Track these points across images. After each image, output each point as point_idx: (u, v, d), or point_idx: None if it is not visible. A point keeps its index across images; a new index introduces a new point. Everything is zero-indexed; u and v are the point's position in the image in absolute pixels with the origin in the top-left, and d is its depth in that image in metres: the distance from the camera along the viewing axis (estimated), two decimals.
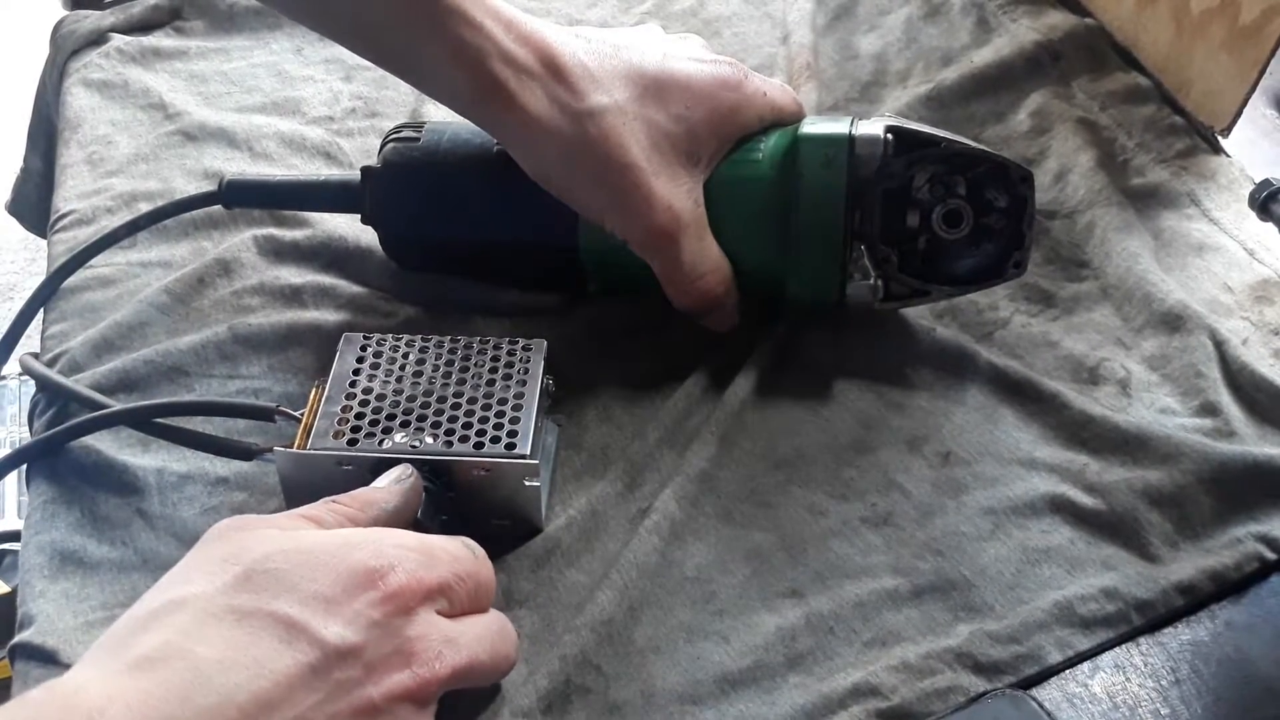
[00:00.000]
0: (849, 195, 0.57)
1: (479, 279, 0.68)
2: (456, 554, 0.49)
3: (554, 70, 0.58)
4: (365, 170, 0.65)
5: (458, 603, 0.48)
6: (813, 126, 0.59)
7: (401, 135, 0.66)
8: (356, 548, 0.45)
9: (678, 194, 0.58)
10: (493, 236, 0.64)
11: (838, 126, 0.59)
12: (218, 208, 0.75)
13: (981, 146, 0.57)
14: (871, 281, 0.58)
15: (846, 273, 0.59)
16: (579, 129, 0.58)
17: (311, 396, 0.58)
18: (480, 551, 0.51)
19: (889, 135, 0.57)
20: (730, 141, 0.61)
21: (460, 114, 0.63)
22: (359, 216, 0.67)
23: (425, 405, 0.57)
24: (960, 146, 0.57)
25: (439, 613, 0.47)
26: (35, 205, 0.90)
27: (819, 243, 0.59)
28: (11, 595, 0.60)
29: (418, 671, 0.44)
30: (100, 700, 0.39)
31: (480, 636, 0.48)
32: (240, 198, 0.70)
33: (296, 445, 0.56)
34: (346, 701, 0.42)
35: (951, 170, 0.56)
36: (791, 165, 0.59)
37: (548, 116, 0.58)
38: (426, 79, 0.62)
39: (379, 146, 0.67)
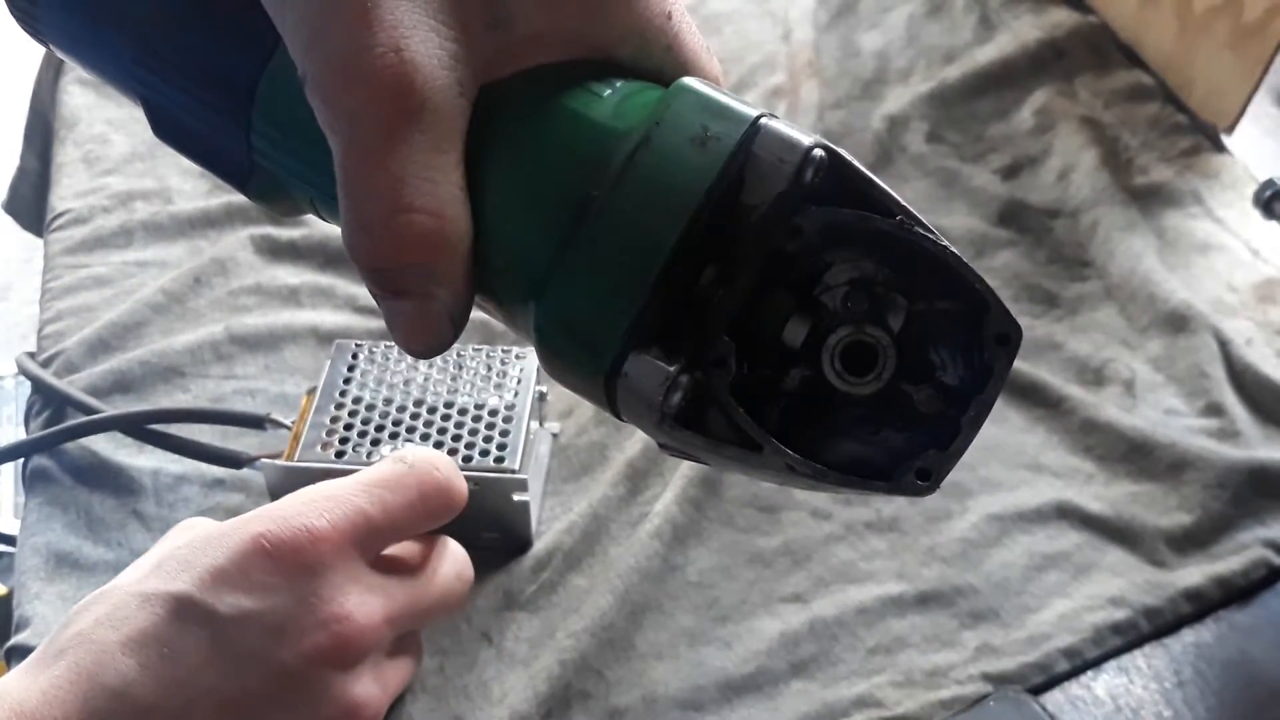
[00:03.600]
0: (708, 210, 0.30)
1: (116, 83, 0.40)
2: (374, 479, 0.45)
3: None
4: None
5: (388, 532, 0.45)
6: (706, 86, 0.32)
7: None
8: (254, 519, 0.43)
9: (428, 45, 0.30)
10: (156, 28, 0.38)
11: (743, 103, 0.32)
12: (214, 207, 0.75)
13: (956, 251, 0.30)
14: (673, 370, 0.30)
15: (641, 336, 0.31)
16: None
17: (303, 404, 0.57)
18: (418, 455, 0.46)
19: (820, 152, 0.31)
20: (570, 40, 0.33)
21: None
22: None
23: (415, 416, 0.57)
24: (928, 242, 0.31)
25: (367, 558, 0.44)
26: (31, 204, 0.89)
27: (620, 262, 0.31)
28: (8, 597, 0.60)
29: (335, 629, 0.42)
30: (19, 694, 0.39)
31: (413, 575, 0.46)
32: None
33: (286, 455, 0.55)
34: (258, 671, 0.41)
35: (895, 280, 0.32)
36: (649, 125, 0.31)
37: None
38: None
39: None
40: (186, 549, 0.43)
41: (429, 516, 0.46)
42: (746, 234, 0.31)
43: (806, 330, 0.31)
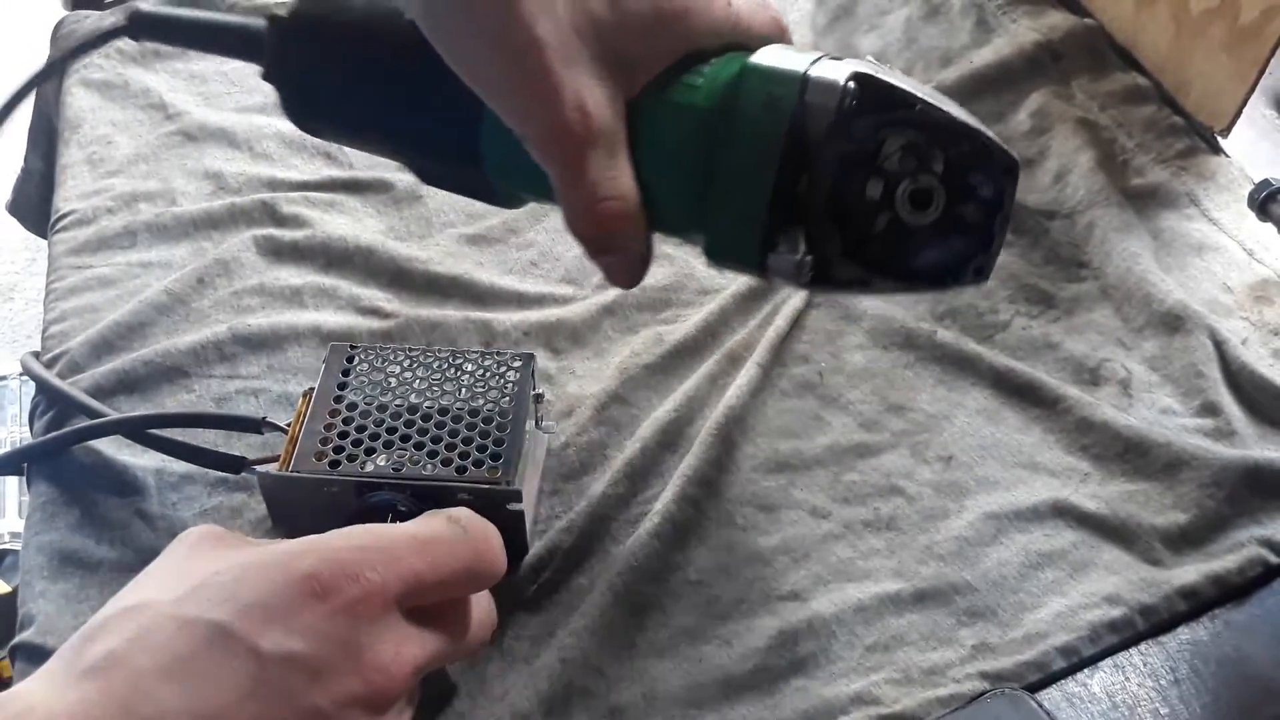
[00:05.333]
0: (788, 148, 0.45)
1: (384, 156, 0.60)
2: (429, 538, 0.46)
3: None
4: (271, 18, 0.57)
5: (433, 592, 0.46)
6: (767, 57, 0.47)
7: None
8: (303, 556, 0.43)
9: (594, 95, 0.46)
10: (396, 118, 0.56)
11: (794, 62, 0.46)
12: (218, 208, 0.75)
13: (965, 117, 0.46)
14: (799, 257, 0.46)
15: (771, 242, 0.47)
16: None
17: (299, 407, 0.58)
18: (473, 523, 0.47)
19: (852, 84, 0.45)
20: (672, 54, 0.48)
21: None
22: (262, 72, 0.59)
23: (410, 424, 0.56)
24: (940, 115, 0.45)
25: (407, 608, 0.45)
26: (36, 205, 0.90)
27: (740, 200, 0.47)
28: (12, 595, 0.60)
29: (370, 677, 0.42)
30: (46, 709, 0.39)
31: (447, 627, 0.47)
32: (147, 30, 0.62)
33: (281, 462, 0.55)
34: (290, 710, 0.41)
35: (930, 141, 0.45)
36: (730, 100, 0.46)
37: None
38: None
39: None
40: (227, 575, 0.43)
41: (472, 584, 0.47)
42: (819, 150, 0.45)
43: (881, 186, 0.45)
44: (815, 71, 0.45)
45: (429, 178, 0.59)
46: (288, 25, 0.56)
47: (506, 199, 0.56)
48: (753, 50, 0.48)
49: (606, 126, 0.46)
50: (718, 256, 0.49)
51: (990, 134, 0.46)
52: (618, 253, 0.49)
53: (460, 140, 0.53)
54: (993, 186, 0.46)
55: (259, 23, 0.57)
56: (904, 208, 0.46)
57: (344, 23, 0.55)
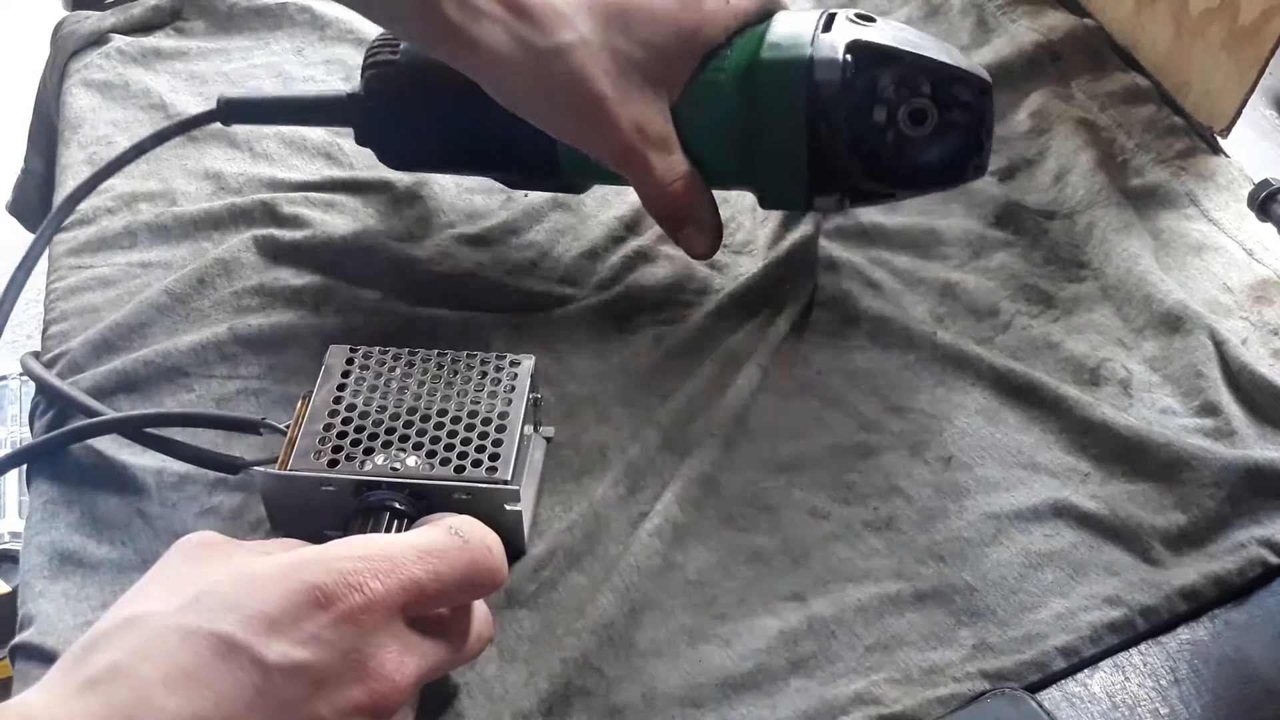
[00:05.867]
0: (810, 115, 0.60)
1: (476, 175, 0.76)
2: (429, 548, 0.46)
3: (516, 9, 0.59)
4: (351, 97, 0.68)
5: (434, 602, 0.46)
6: (772, 49, 0.61)
7: (379, 59, 0.67)
8: (306, 566, 0.44)
9: (647, 114, 0.61)
10: (480, 156, 0.69)
11: (796, 47, 0.60)
12: (218, 208, 0.75)
13: (943, 56, 0.60)
14: (837, 196, 0.63)
15: (813, 188, 0.62)
16: (546, 67, 0.59)
17: (298, 408, 0.57)
18: (473, 532, 0.48)
19: (849, 56, 0.59)
20: (695, 62, 0.62)
21: (423, 53, 0.64)
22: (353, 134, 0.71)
23: (408, 424, 0.56)
24: (924, 60, 0.60)
25: (408, 618, 0.45)
26: (36, 206, 0.90)
27: (781, 165, 0.62)
28: (12, 595, 0.60)
29: (373, 686, 0.43)
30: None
31: (449, 636, 0.47)
32: (238, 114, 0.72)
33: (279, 463, 0.55)
34: (294, 719, 0.41)
35: (916, 73, 0.59)
36: (750, 87, 0.61)
37: (512, 56, 0.59)
38: (387, 16, 0.64)
39: (361, 67, 0.68)
40: (229, 585, 0.43)
41: (472, 593, 0.48)
42: (833, 107, 0.59)
43: (885, 111, 0.59)
44: (818, 53, 0.59)
45: (515, 186, 0.74)
46: (366, 102, 0.68)
47: (583, 190, 0.73)
48: (755, 25, 0.62)
49: (660, 132, 0.61)
50: (770, 206, 0.68)
51: (964, 65, 0.61)
52: (693, 222, 0.64)
53: (540, 161, 0.66)
54: (971, 95, 0.60)
55: (338, 94, 0.69)
56: (906, 124, 0.59)
57: (416, 86, 0.66)
